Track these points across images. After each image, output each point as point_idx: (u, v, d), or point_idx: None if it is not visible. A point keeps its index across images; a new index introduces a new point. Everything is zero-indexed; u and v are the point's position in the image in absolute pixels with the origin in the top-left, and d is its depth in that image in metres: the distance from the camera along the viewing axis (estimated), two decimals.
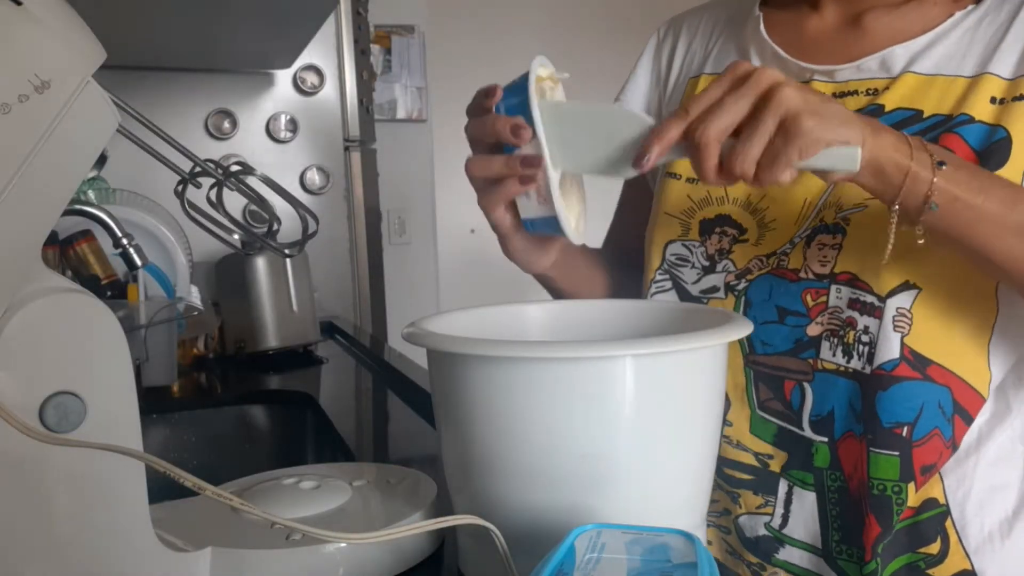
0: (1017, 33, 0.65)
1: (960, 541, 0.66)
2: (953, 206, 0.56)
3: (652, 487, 0.49)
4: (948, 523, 0.66)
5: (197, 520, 0.56)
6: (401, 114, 2.78)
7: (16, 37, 0.40)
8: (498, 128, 0.59)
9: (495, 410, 0.48)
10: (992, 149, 0.62)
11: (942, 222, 0.56)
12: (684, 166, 0.77)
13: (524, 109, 0.58)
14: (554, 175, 0.59)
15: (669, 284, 0.77)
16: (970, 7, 0.67)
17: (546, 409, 0.47)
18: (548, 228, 0.61)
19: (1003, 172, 0.62)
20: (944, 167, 0.55)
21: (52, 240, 1.13)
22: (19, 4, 0.40)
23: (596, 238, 0.85)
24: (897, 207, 0.56)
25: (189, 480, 0.43)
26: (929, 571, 0.66)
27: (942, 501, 0.66)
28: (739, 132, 0.54)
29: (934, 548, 0.66)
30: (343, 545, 0.52)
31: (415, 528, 0.48)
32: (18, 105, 0.40)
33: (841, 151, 0.52)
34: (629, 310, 0.64)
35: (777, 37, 0.74)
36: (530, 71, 0.60)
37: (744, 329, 0.50)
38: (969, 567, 0.65)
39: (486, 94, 0.61)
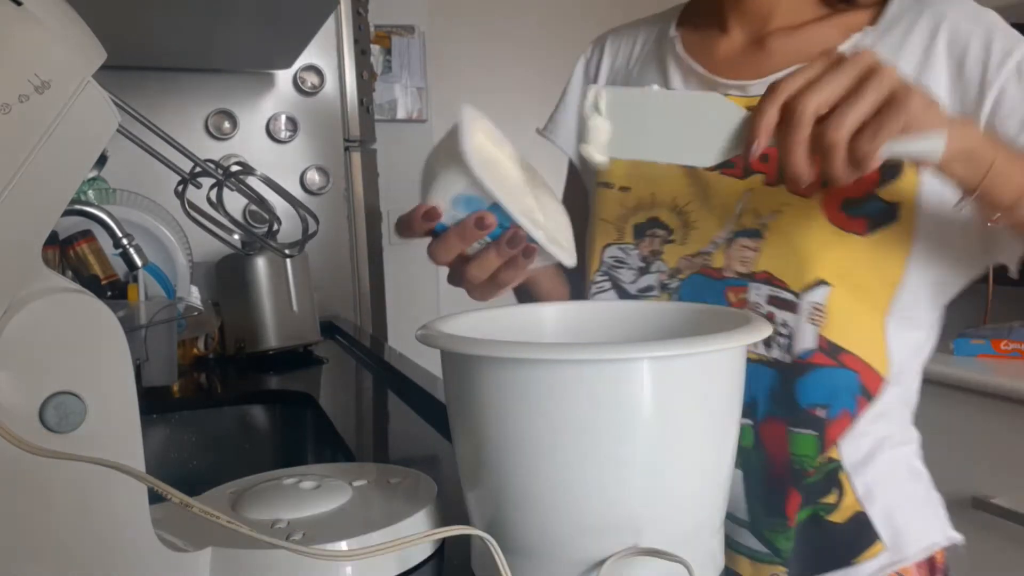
0: (908, 59, 0.70)
1: (853, 489, 0.73)
2: None
3: (671, 489, 0.48)
4: (842, 475, 0.73)
5: (197, 520, 0.56)
6: (401, 114, 2.78)
7: (16, 37, 0.40)
8: (467, 235, 0.56)
9: (511, 412, 0.48)
10: (889, 164, 0.66)
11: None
12: (616, 175, 0.82)
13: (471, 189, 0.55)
14: (537, 233, 0.55)
15: (608, 285, 0.82)
16: (867, 28, 0.72)
17: (564, 412, 0.46)
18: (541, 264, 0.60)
19: (895, 183, 0.69)
20: None
21: (52, 240, 1.13)
22: (19, 4, 0.40)
23: None
24: (973, 196, 0.57)
25: (176, 496, 0.43)
26: (828, 518, 0.73)
27: (835, 456, 0.73)
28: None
29: (832, 498, 0.73)
30: (343, 546, 0.52)
31: (410, 541, 0.48)
32: (18, 105, 0.40)
33: (930, 140, 0.50)
34: (645, 311, 0.63)
35: (692, 56, 0.81)
36: (463, 144, 0.53)
37: (763, 331, 0.50)
38: (861, 509, 0.73)
39: (426, 216, 0.56)
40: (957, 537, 0.77)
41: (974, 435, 1.53)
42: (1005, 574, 0.75)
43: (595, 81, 0.91)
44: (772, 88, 0.52)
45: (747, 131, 0.53)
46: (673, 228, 0.78)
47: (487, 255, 0.57)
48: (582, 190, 0.92)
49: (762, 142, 0.52)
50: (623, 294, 0.81)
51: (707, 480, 0.51)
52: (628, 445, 0.47)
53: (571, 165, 0.95)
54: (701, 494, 0.50)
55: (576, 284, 0.90)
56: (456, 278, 0.61)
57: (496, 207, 0.55)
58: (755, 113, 0.52)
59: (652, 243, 0.79)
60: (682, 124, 0.55)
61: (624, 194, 0.81)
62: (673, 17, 0.86)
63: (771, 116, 0.52)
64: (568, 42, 3.16)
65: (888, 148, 0.50)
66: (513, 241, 0.56)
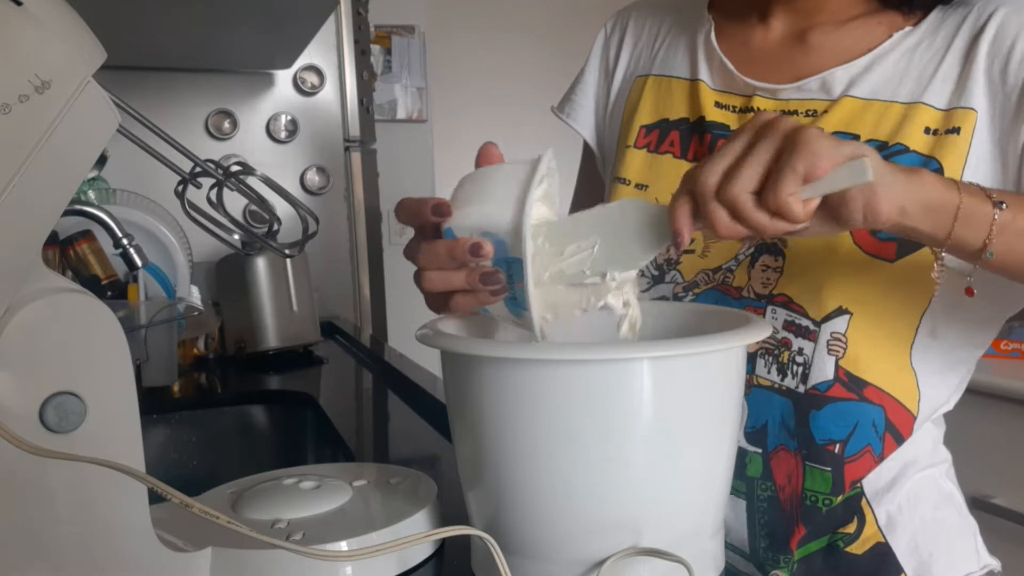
0: (950, 64, 0.66)
1: (875, 518, 0.69)
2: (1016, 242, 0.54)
3: (670, 490, 0.48)
4: (863, 503, 0.69)
5: (197, 520, 0.56)
6: (401, 114, 2.78)
7: (16, 37, 0.40)
8: (457, 256, 0.51)
9: (510, 412, 0.48)
10: None
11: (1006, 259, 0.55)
12: (633, 169, 0.77)
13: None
14: (535, 299, 0.50)
15: None
16: (908, 28, 0.68)
17: (563, 412, 0.46)
18: (509, 323, 0.54)
19: None
20: (1004, 206, 0.54)
21: (52, 240, 1.13)
22: (19, 4, 0.40)
23: None
24: (943, 251, 0.54)
25: (176, 497, 0.43)
26: (847, 549, 0.69)
27: (857, 484, 0.69)
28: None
29: (851, 528, 0.69)
30: (343, 546, 0.52)
31: (409, 542, 0.48)
32: (18, 105, 0.40)
33: (851, 165, 0.47)
34: (645, 311, 0.63)
35: (724, 46, 0.75)
36: (525, 211, 0.49)
37: (762, 331, 0.50)
38: (882, 540, 0.69)
39: (435, 211, 0.51)
40: (994, 564, 0.73)
41: (974, 435, 1.53)
42: (1006, 574, 0.75)
43: (616, 59, 0.84)
44: (683, 179, 0.51)
45: (667, 225, 0.51)
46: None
47: (453, 274, 0.52)
48: (598, 179, 0.87)
49: (684, 232, 0.50)
50: None
51: (706, 480, 0.50)
52: (627, 445, 0.47)
53: (586, 148, 0.89)
54: (701, 494, 0.50)
55: None
56: (420, 280, 0.55)
57: (517, 262, 0.50)
58: (670, 206, 0.51)
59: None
60: (612, 237, 0.52)
61: (641, 192, 0.77)
62: None
63: (682, 204, 0.50)
64: (568, 42, 3.16)
65: (811, 189, 0.47)
66: (488, 279, 0.51)
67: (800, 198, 0.47)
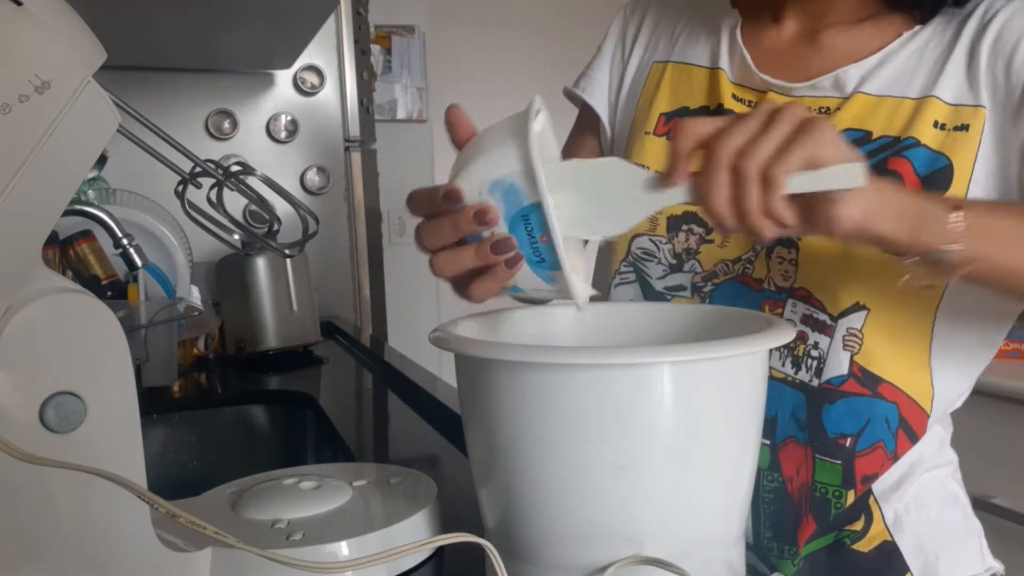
0: (958, 58, 0.66)
1: (882, 516, 0.69)
2: (977, 239, 0.53)
3: (686, 499, 0.47)
4: (871, 501, 0.69)
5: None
6: (401, 114, 2.78)
7: (16, 37, 0.40)
8: (460, 226, 0.48)
9: (524, 416, 0.47)
10: (935, 176, 0.64)
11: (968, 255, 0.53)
12: (651, 155, 0.77)
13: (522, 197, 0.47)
14: (563, 249, 0.47)
15: (633, 276, 0.77)
16: (918, 28, 0.69)
17: (578, 416, 0.45)
18: (543, 295, 0.51)
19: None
20: (962, 213, 0.52)
21: (52, 240, 1.13)
22: (19, 4, 0.40)
23: None
24: (915, 257, 0.52)
25: (163, 506, 0.43)
26: (854, 546, 0.69)
27: (869, 480, 0.69)
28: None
29: (859, 525, 0.69)
30: (343, 547, 0.52)
31: (407, 550, 0.47)
32: (18, 105, 0.40)
33: (845, 167, 0.46)
34: (664, 314, 0.62)
35: (743, 42, 0.76)
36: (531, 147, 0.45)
37: (785, 336, 0.48)
38: (889, 538, 0.69)
39: (447, 198, 0.48)
40: (997, 567, 0.73)
41: (975, 435, 1.52)
42: (1006, 574, 0.75)
43: (634, 42, 0.84)
44: (682, 128, 0.48)
45: (665, 173, 0.48)
46: (712, 227, 0.72)
47: (462, 252, 0.49)
48: (594, 148, 0.87)
49: (681, 172, 0.47)
50: (648, 289, 0.76)
51: (725, 490, 0.49)
52: (644, 452, 0.46)
53: (585, 118, 0.88)
54: (718, 504, 0.49)
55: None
56: (432, 267, 0.52)
57: (535, 209, 0.46)
58: (671, 149, 0.48)
59: (688, 240, 0.74)
60: (603, 194, 0.49)
61: None
62: None
63: (684, 158, 0.47)
64: (568, 42, 3.16)
65: (802, 180, 0.45)
66: (499, 247, 0.48)
67: (791, 189, 0.45)
